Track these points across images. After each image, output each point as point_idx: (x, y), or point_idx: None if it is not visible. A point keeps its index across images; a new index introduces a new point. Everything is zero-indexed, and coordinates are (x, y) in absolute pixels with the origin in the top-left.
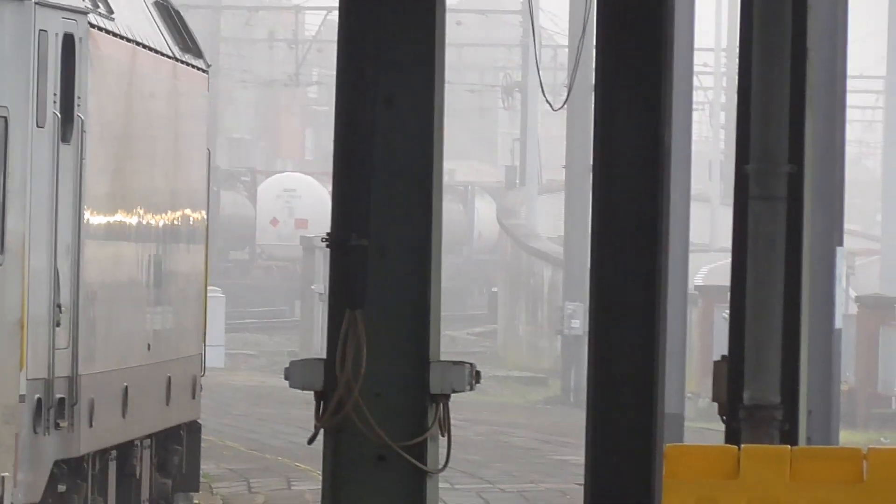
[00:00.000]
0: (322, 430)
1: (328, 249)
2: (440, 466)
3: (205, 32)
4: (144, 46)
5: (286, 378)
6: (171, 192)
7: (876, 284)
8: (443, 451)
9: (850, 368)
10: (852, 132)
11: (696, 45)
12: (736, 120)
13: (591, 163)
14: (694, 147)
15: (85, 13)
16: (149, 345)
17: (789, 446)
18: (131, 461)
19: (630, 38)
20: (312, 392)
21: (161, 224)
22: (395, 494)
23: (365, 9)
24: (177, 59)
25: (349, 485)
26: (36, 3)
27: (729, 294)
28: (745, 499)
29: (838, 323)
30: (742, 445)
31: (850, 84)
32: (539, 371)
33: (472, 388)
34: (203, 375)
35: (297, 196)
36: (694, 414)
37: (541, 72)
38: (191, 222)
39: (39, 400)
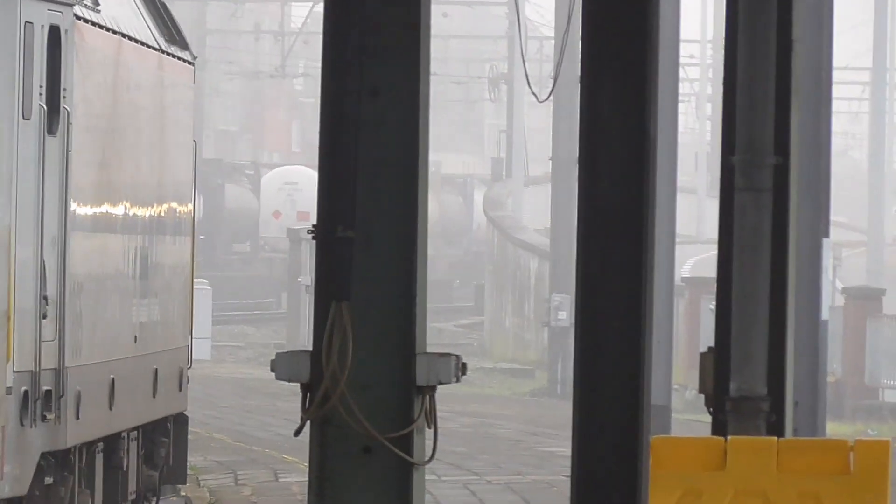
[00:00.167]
0: (308, 422)
1: (314, 241)
2: (427, 458)
3: (191, 24)
4: (130, 38)
5: (272, 370)
6: (157, 185)
7: (862, 276)
8: (429, 443)
9: (836, 360)
10: (838, 123)
11: (683, 36)
12: (721, 111)
13: (577, 154)
14: (680, 139)
15: (70, 5)
16: (135, 337)
17: (776, 438)
18: (118, 453)
19: (616, 30)
20: (299, 384)
21: (147, 216)
22: (381, 486)
23: (351, 0)
24: (163, 51)
25: (336, 477)
26: None
27: (715, 285)
28: (732, 490)
29: (825, 314)
30: (729, 437)
31: (836, 75)
32: (526, 363)
33: (458, 380)
34: (190, 367)
35: (299, 189)
36: (681, 406)
37: (527, 63)
38: (177, 214)
39: (26, 392)
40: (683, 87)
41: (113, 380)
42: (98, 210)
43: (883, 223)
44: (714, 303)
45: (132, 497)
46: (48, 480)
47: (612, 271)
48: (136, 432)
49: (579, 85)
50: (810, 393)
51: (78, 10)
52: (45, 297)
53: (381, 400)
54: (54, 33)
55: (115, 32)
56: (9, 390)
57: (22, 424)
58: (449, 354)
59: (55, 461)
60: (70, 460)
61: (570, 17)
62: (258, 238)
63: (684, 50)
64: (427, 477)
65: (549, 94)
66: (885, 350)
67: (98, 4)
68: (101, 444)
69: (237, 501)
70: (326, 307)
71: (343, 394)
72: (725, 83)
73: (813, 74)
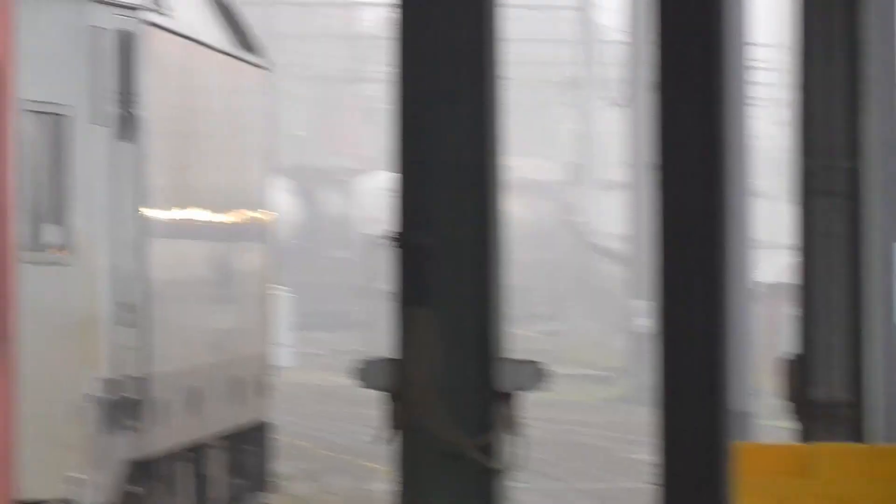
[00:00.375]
0: (393, 430)
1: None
2: (511, 465)
3: (260, 28)
4: (202, 44)
5: (357, 378)
6: (231, 190)
7: None
8: (512, 450)
9: None
10: None
11: (759, 41)
12: (794, 116)
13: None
14: (759, 143)
15: (139, 10)
16: (216, 343)
17: (865, 444)
18: (202, 461)
19: (688, 34)
20: (381, 391)
21: (223, 221)
22: (466, 492)
23: (422, 3)
24: (235, 56)
25: (421, 483)
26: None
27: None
28: (821, 498)
29: None
30: (814, 443)
31: None
32: (605, 369)
33: (540, 387)
34: (271, 374)
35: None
36: (764, 412)
37: (598, 68)
38: (252, 220)
39: (110, 400)
40: (761, 92)
41: (195, 387)
42: (175, 215)
43: None
44: (793, 308)
45: None
46: (133, 489)
47: (689, 277)
48: (219, 440)
49: (652, 90)
50: (893, 398)
51: (148, 14)
52: (128, 304)
53: (464, 407)
54: (124, 38)
55: (186, 37)
56: (93, 398)
57: (106, 432)
58: (531, 360)
59: (139, 469)
60: (154, 468)
61: (643, 23)
62: (356, 243)
63: (761, 54)
64: (511, 484)
65: (625, 100)
66: None
67: (169, 9)
68: (184, 452)
69: None
70: (406, 313)
71: (426, 401)
72: (797, 87)
73: (886, 77)
